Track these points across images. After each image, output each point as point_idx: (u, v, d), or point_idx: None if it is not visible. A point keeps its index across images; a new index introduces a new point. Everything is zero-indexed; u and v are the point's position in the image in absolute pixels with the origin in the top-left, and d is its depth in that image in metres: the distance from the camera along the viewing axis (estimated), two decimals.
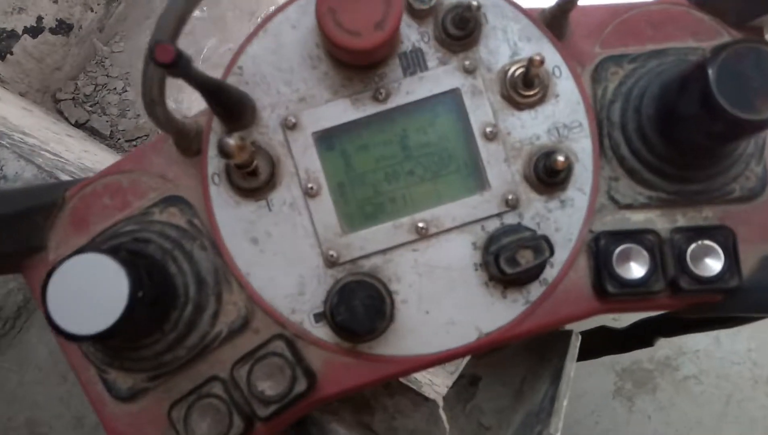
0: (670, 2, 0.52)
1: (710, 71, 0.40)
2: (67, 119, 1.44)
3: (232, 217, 0.48)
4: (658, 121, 0.46)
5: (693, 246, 0.47)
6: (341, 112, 0.48)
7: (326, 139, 0.48)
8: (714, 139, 0.43)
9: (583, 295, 0.48)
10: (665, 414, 1.32)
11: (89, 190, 0.51)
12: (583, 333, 0.85)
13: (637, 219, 0.49)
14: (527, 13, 0.49)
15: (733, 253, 0.47)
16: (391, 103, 0.48)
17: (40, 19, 1.33)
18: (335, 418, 0.66)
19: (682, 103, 0.43)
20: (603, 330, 0.83)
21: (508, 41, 0.48)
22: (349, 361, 0.48)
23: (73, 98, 1.46)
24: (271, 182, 0.48)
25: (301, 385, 0.46)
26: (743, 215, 0.49)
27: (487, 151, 0.48)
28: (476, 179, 0.48)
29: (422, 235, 0.48)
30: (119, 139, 1.47)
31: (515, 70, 0.47)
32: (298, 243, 0.48)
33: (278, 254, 0.48)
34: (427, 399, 0.71)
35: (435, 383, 1.00)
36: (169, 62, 0.32)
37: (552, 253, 0.44)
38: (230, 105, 0.45)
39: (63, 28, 1.38)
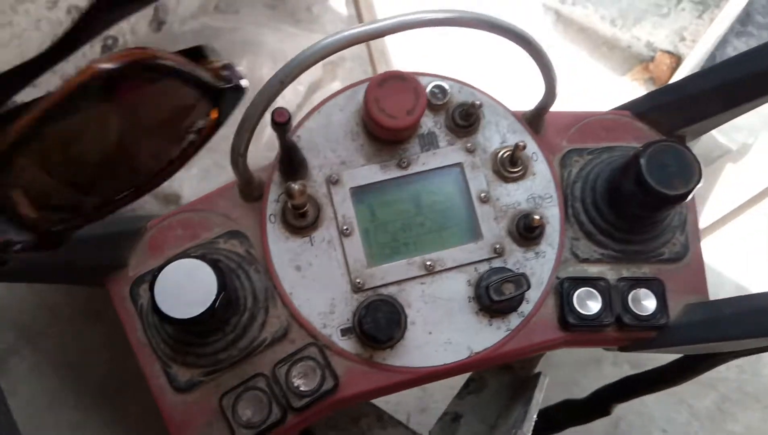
0: (618, 114, 0.70)
1: (642, 160, 0.57)
2: None
3: (282, 248, 0.62)
4: (608, 197, 0.63)
5: (633, 291, 0.62)
6: (373, 174, 0.63)
7: (359, 194, 0.63)
8: (646, 209, 0.60)
9: (550, 326, 0.62)
10: None
11: (166, 223, 0.64)
12: (548, 408, 0.96)
13: (593, 270, 0.64)
14: (514, 113, 0.66)
15: (663, 299, 0.62)
16: (411, 170, 0.63)
17: None
18: None
19: (624, 183, 0.60)
20: (566, 403, 0.94)
21: (500, 132, 0.65)
22: (367, 370, 0.60)
23: None
24: (315, 223, 0.62)
25: (328, 384, 0.58)
26: (671, 273, 0.65)
27: (481, 211, 0.63)
28: (472, 232, 0.63)
29: (429, 271, 0.62)
30: None
31: (504, 153, 0.64)
32: (332, 272, 0.62)
33: (315, 280, 0.61)
34: (415, 433, 0.82)
35: None
36: (284, 121, 0.47)
37: (529, 286, 0.58)
38: (295, 161, 0.60)
39: None
